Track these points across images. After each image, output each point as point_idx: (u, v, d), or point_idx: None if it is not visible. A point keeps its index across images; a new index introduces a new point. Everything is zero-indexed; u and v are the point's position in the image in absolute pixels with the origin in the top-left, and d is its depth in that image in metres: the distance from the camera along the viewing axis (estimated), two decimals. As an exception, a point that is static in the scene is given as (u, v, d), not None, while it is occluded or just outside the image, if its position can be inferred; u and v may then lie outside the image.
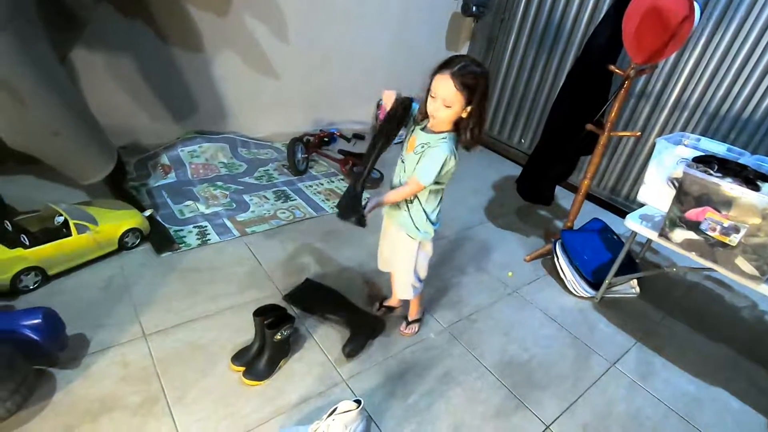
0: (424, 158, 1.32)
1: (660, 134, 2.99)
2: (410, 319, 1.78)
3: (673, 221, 1.71)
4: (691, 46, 2.73)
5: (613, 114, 2.07)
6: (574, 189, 2.68)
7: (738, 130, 2.67)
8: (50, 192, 2.14)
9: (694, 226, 1.65)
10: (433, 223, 1.48)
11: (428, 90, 1.29)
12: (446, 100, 1.24)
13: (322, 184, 2.78)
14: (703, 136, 2.73)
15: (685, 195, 1.64)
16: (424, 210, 1.44)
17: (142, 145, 2.65)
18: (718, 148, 2.03)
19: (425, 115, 1.35)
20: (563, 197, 3.17)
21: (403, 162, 1.42)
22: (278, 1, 2.76)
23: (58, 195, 2.08)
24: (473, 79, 1.23)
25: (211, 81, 2.76)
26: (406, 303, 1.83)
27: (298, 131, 3.21)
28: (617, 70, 1.99)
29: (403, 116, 1.36)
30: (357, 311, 1.77)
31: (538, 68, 3.54)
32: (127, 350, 1.48)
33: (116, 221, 1.83)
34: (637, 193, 3.19)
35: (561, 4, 3.27)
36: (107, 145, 1.97)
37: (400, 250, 1.56)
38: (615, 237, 2.44)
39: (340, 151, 3.16)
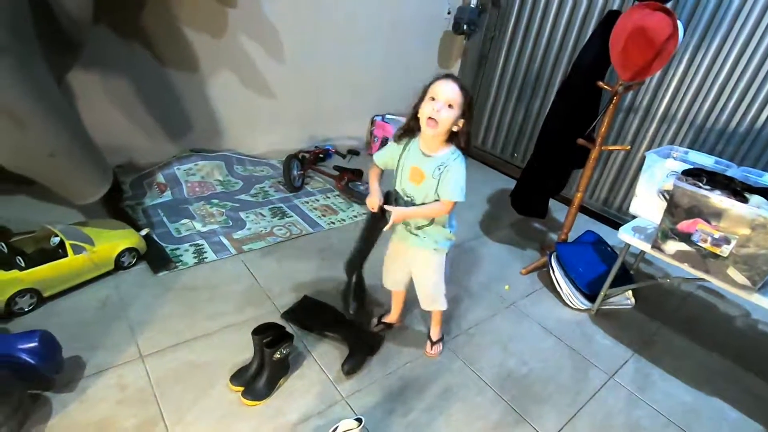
0: (448, 176, 1.35)
1: (649, 147, 3.05)
2: (434, 339, 1.77)
3: (666, 233, 1.74)
4: (676, 60, 2.81)
5: (603, 128, 2.11)
6: (567, 202, 2.72)
7: (725, 142, 2.73)
8: (46, 212, 2.13)
9: (685, 237, 1.68)
10: (451, 229, 1.52)
11: (420, 100, 1.34)
12: (450, 99, 1.29)
13: (318, 200, 2.79)
14: (691, 148, 2.79)
15: (676, 207, 1.68)
16: (442, 225, 1.48)
17: (138, 164, 2.66)
18: (706, 161, 2.08)
19: (406, 131, 1.40)
20: (557, 210, 3.21)
21: (408, 196, 1.44)
22: (273, 22, 2.82)
23: (53, 215, 2.07)
24: (467, 88, 1.32)
25: (207, 100, 2.79)
26: (404, 319, 1.84)
27: (294, 148, 3.24)
28: (605, 86, 2.04)
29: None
30: (355, 328, 1.77)
31: (528, 84, 3.61)
32: (124, 372, 1.46)
33: (112, 241, 1.83)
34: (628, 204, 3.24)
35: (549, 22, 3.36)
36: (103, 166, 1.97)
37: (427, 268, 1.56)
38: (609, 249, 2.47)
39: (336, 167, 3.19)
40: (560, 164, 2.40)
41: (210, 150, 2.90)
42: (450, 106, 1.29)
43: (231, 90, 2.86)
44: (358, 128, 3.79)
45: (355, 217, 2.67)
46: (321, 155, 3.33)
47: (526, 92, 3.64)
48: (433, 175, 1.36)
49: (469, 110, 1.32)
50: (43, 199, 2.20)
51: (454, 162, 1.35)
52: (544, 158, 2.38)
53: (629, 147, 2.36)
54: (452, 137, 1.36)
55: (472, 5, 3.70)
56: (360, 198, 2.86)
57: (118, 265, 1.86)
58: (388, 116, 3.79)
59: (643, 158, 3.03)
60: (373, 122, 3.76)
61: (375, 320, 1.85)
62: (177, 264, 1.97)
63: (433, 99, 1.30)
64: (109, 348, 1.54)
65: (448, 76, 1.32)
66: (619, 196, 3.27)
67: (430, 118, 1.29)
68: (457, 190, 1.35)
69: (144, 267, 1.94)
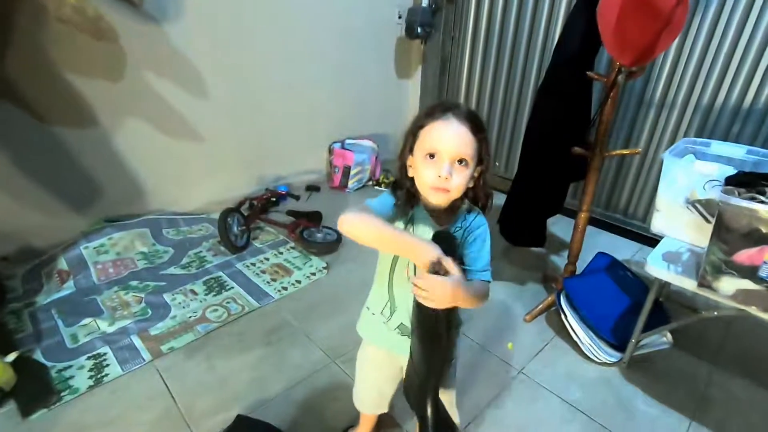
0: (475, 249, 0.88)
1: (649, 140, 2.60)
2: None
3: (717, 267, 1.26)
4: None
5: (602, 130, 1.65)
6: (568, 211, 2.24)
7: (741, 122, 2.28)
8: None
9: (748, 272, 1.19)
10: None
11: (406, 147, 0.86)
12: (460, 154, 0.80)
13: (268, 259, 2.28)
14: (700, 136, 2.35)
15: (728, 232, 1.20)
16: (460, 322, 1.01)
17: (34, 248, 2.13)
18: (735, 151, 1.62)
19: (406, 200, 0.88)
20: (556, 222, 2.69)
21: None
22: (186, 49, 2.33)
23: None
24: (478, 120, 0.84)
25: (116, 157, 2.29)
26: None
27: (241, 195, 2.75)
28: (600, 78, 1.58)
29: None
30: (309, 460, 1.26)
31: (500, 82, 3.17)
32: None
33: (-45, 385, 1.30)
34: (633, 206, 2.79)
35: (513, 8, 2.93)
36: None
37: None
38: (628, 273, 1.99)
39: (289, 212, 2.69)
40: (554, 180, 1.91)
41: (131, 216, 2.38)
42: (461, 161, 0.81)
43: (146, 140, 2.36)
44: (315, 160, 3.30)
45: (313, 275, 2.17)
46: (273, 199, 2.84)
47: (499, 91, 3.20)
48: None
49: (486, 150, 0.85)
50: None
51: (479, 229, 0.89)
52: (532, 175, 1.91)
53: (639, 150, 1.86)
54: (466, 191, 0.88)
55: (423, 5, 3.27)
56: (319, 248, 2.35)
57: (-32, 417, 1.33)
58: (347, 142, 3.32)
59: (646, 156, 2.59)
60: (331, 151, 3.27)
61: (337, 439, 1.34)
62: (62, 394, 1.44)
63: (432, 156, 0.81)
64: None
65: (447, 109, 0.82)
66: (623, 196, 2.81)
67: (435, 187, 0.82)
68: (486, 267, 0.88)
69: (10, 409, 1.40)
